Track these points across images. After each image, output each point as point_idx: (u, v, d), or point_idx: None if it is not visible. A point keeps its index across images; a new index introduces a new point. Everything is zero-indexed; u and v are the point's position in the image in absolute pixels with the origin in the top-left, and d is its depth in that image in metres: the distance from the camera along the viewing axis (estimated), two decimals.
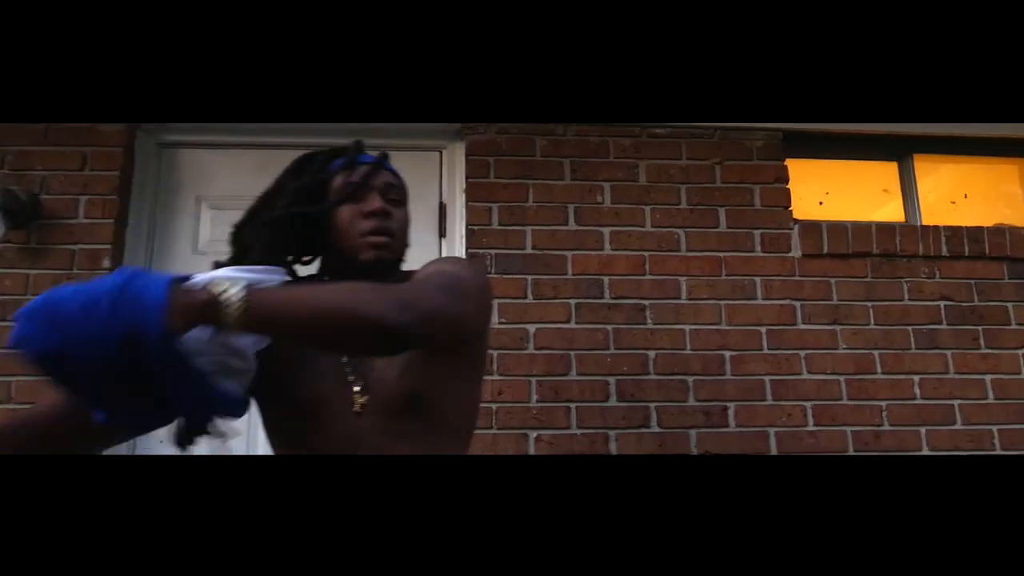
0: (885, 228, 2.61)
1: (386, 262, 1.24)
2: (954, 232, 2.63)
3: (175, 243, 2.54)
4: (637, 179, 2.58)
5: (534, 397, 2.36)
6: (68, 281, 2.28)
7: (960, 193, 2.91)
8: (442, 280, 1.13)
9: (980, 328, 2.56)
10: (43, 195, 2.42)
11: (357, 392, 1.18)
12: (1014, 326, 2.58)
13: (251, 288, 0.89)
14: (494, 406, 2.34)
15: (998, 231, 2.65)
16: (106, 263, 2.37)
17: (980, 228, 2.64)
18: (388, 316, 0.96)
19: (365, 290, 1.01)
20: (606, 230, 2.52)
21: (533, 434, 2.34)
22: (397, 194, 1.30)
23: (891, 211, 2.79)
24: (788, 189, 2.63)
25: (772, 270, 2.54)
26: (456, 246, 2.55)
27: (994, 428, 2.48)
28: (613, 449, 2.35)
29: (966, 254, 2.61)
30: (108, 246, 2.39)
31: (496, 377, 2.36)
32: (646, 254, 2.51)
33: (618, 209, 2.54)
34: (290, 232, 1.23)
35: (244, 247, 1.21)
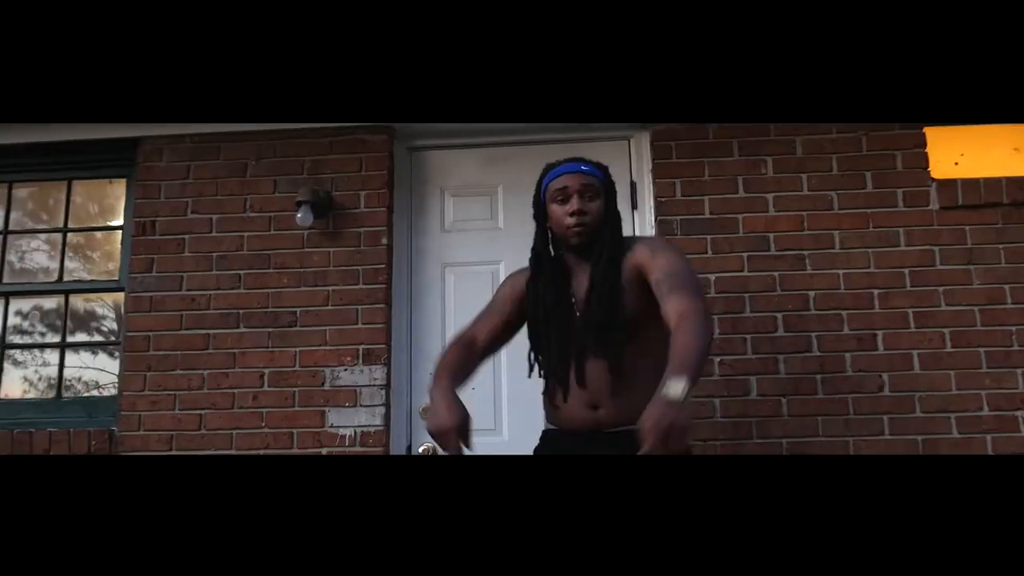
0: (1014, 181, 3.07)
1: (586, 242, 2.04)
2: None
3: (428, 224, 3.31)
4: (795, 152, 3.14)
5: (716, 330, 3.00)
6: (357, 255, 3.08)
7: None
8: (690, 280, 1.92)
9: None
10: (335, 192, 3.22)
11: None
12: None
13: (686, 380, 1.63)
14: None
15: None
16: (384, 240, 3.16)
17: None
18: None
19: (701, 315, 1.79)
20: (770, 196, 3.10)
21: (717, 359, 2.98)
22: (592, 192, 2.05)
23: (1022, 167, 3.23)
24: (926, 153, 3.13)
25: (913, 222, 3.06)
26: (647, 216, 3.19)
27: None
28: (782, 370, 2.95)
29: None
30: (383, 228, 3.18)
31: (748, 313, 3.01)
32: (804, 214, 3.08)
33: (779, 178, 3.12)
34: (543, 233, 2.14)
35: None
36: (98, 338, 3.45)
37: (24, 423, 3.17)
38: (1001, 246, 3.02)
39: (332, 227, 3.19)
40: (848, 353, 2.97)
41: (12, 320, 3.40)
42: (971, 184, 3.06)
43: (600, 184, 2.08)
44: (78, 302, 3.44)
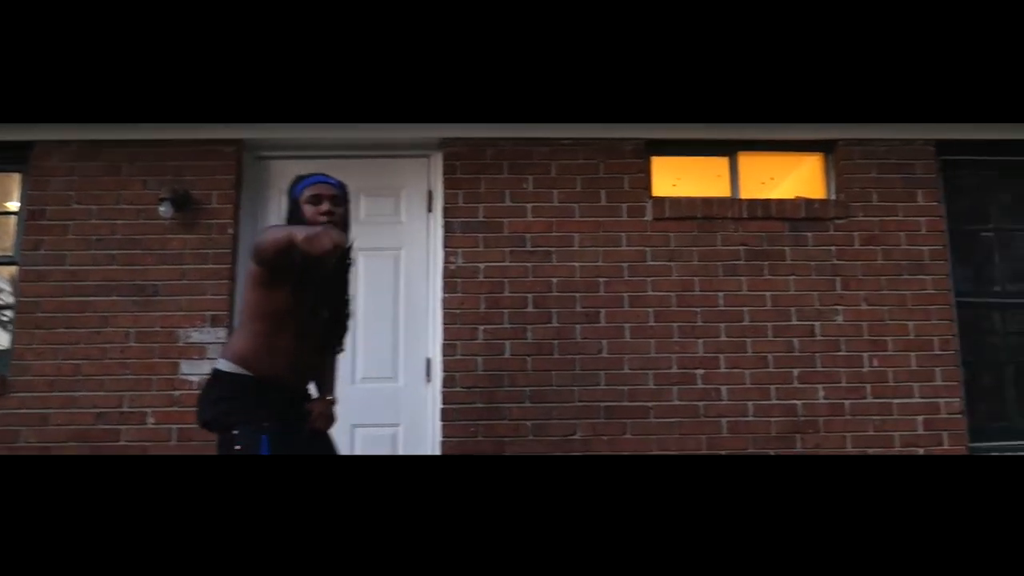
0: (708, 200, 4.15)
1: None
2: (753, 202, 4.15)
3: (269, 219, 4.20)
4: (550, 172, 4.15)
5: (483, 306, 3.98)
6: (209, 242, 3.96)
7: (769, 176, 4.44)
8: None
9: (766, 263, 4.10)
10: (192, 191, 4.08)
11: None
12: (788, 261, 4.11)
13: None
14: (458, 310, 3.97)
15: (783, 201, 4.17)
16: (230, 230, 4.04)
17: (769, 200, 4.17)
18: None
19: None
20: (529, 205, 4.11)
21: (481, 327, 3.97)
22: (337, 200, 2.62)
23: (722, 190, 4.32)
24: (647, 176, 4.18)
25: (632, 228, 4.10)
26: (438, 218, 4.16)
27: (769, 325, 4.04)
28: (529, 337, 3.96)
29: (760, 215, 4.14)
30: (230, 221, 4.06)
31: (459, 294, 3.99)
32: (553, 220, 4.09)
33: (537, 192, 4.12)
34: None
35: None
36: None
37: None
38: (695, 249, 4.10)
39: (189, 219, 4.06)
40: (578, 325, 4.00)
41: None
42: (675, 201, 4.13)
43: (342, 195, 2.67)
44: None
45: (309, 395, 2.78)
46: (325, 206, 2.59)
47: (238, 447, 2.39)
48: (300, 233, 2.18)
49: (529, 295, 4.02)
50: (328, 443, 2.77)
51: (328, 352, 2.81)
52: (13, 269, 4.14)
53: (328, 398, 2.83)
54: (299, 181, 2.67)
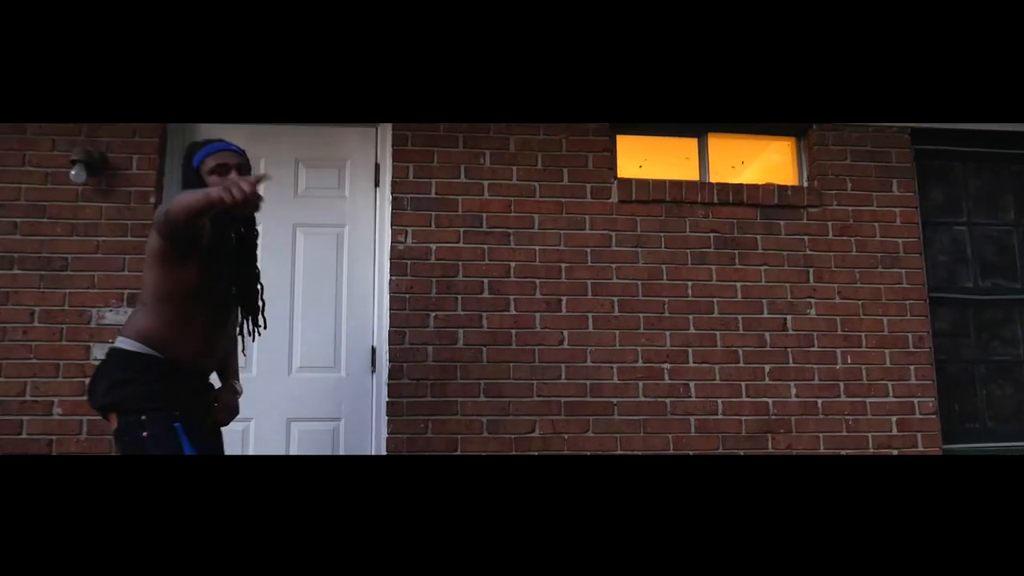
0: (675, 183, 3.88)
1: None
2: (723, 187, 3.91)
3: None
4: (508, 147, 3.83)
5: (434, 291, 3.64)
6: (128, 211, 3.53)
7: (739, 160, 4.20)
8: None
9: (736, 251, 3.86)
10: (109, 154, 3.64)
11: None
12: (760, 251, 3.87)
13: None
14: (407, 295, 3.63)
15: (755, 187, 3.93)
16: (152, 199, 3.61)
17: (741, 184, 3.93)
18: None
19: None
20: (486, 182, 3.78)
21: (432, 314, 3.63)
22: (245, 169, 2.35)
23: (691, 173, 4.06)
24: (612, 155, 3.89)
25: (596, 211, 3.81)
26: (386, 192, 3.80)
27: (739, 317, 3.80)
28: (484, 324, 3.64)
29: (730, 201, 3.89)
30: (152, 188, 3.63)
31: (409, 277, 3.64)
32: (512, 199, 3.77)
33: (495, 168, 3.80)
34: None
35: None
36: None
37: None
38: (662, 234, 3.83)
39: (105, 185, 3.61)
40: (538, 314, 3.69)
41: None
42: (643, 183, 3.85)
43: (247, 164, 2.39)
44: None
45: (211, 384, 2.48)
46: (234, 176, 2.28)
47: (145, 434, 2.13)
48: (216, 191, 1.90)
49: (485, 280, 3.70)
50: (220, 441, 2.49)
51: (241, 335, 2.54)
52: None
53: (235, 388, 2.55)
54: (197, 149, 2.39)
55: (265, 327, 2.57)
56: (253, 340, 2.57)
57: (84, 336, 3.47)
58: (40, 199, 3.58)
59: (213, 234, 2.23)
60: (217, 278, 2.28)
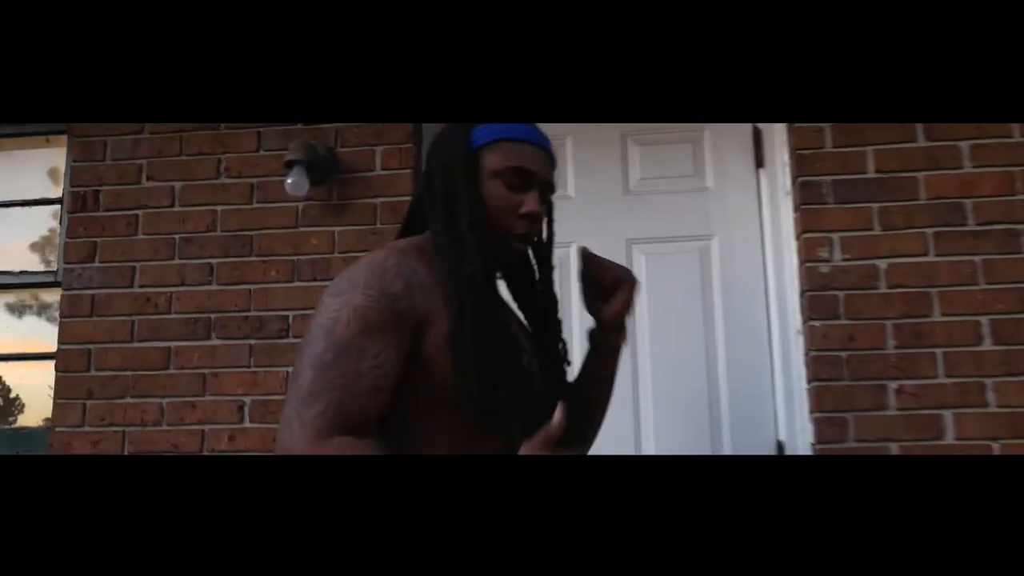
0: None
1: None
2: None
3: None
4: None
5: (891, 343, 2.05)
6: (373, 236, 2.20)
7: None
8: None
9: None
10: (339, 148, 2.32)
11: None
12: None
13: None
14: (844, 354, 2.05)
15: None
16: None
17: None
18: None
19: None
20: (964, 144, 2.13)
21: (893, 384, 2.03)
22: (550, 193, 1.22)
23: None
24: None
25: None
26: (778, 177, 2.25)
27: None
28: (991, 400, 2.00)
29: None
30: (408, 198, 2.26)
31: (844, 321, 2.07)
32: (1016, 169, 2.11)
33: None
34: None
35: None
36: None
37: None
38: None
39: (337, 197, 2.29)
40: None
41: None
42: None
43: (552, 182, 1.23)
44: None
45: None
46: (534, 199, 1.18)
47: None
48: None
49: (982, 318, 2.05)
50: None
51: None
52: None
53: None
54: (474, 126, 1.22)
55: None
56: None
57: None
58: (244, 226, 2.31)
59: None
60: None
